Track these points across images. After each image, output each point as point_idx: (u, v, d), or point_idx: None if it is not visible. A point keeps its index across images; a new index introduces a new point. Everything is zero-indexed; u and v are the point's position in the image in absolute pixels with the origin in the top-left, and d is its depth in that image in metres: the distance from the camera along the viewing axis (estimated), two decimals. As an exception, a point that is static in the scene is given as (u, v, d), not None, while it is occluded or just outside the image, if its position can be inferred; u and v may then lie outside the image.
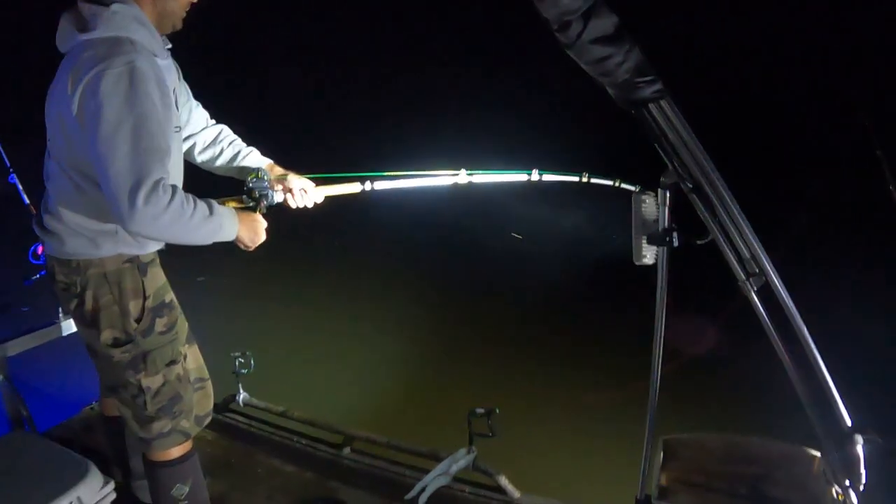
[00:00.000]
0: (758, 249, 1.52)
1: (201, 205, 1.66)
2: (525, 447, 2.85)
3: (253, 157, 2.08)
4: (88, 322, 1.83)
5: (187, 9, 1.76)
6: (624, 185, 1.98)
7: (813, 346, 1.61)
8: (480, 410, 2.25)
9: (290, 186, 1.97)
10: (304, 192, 1.98)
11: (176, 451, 1.96)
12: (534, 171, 2.05)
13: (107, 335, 1.81)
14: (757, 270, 1.54)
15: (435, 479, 2.35)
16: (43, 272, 2.22)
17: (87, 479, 1.93)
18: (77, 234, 1.76)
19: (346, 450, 2.72)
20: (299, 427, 2.89)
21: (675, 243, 1.59)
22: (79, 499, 1.88)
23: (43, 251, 1.95)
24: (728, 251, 1.55)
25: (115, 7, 1.60)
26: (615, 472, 2.27)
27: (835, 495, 1.79)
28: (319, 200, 2.03)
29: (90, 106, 1.54)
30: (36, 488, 1.90)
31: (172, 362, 1.89)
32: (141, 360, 1.83)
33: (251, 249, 1.88)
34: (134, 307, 1.81)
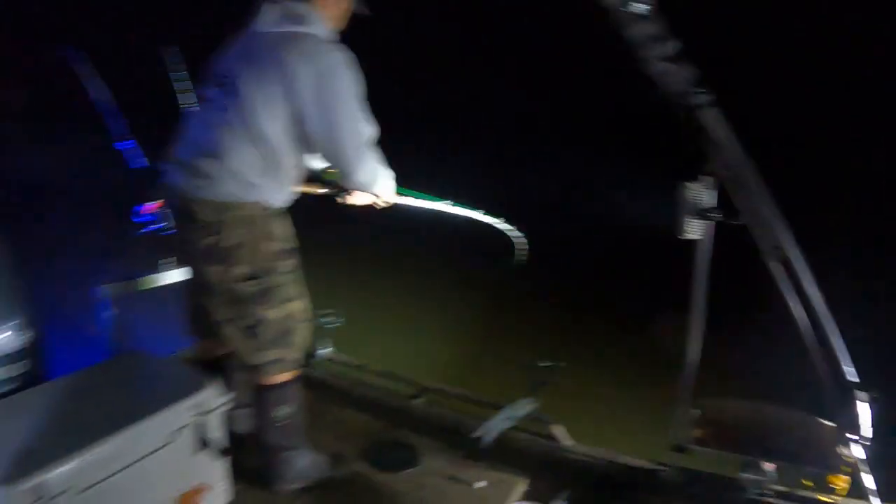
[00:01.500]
0: (781, 228, 1.99)
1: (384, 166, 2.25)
2: (577, 401, 3.21)
3: None
4: (222, 257, 2.09)
5: (343, 27, 2.24)
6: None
7: (825, 311, 2.06)
8: (543, 364, 2.67)
9: None
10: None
11: (282, 378, 2.25)
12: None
13: (238, 269, 2.09)
14: (780, 245, 2.00)
15: (499, 422, 2.67)
16: (150, 227, 2.66)
17: (206, 387, 2.10)
18: (232, 180, 2.05)
19: (418, 400, 3.04)
20: (375, 380, 3.24)
21: (718, 219, 2.07)
22: (198, 403, 2.06)
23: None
24: (757, 229, 2.02)
25: (318, 15, 2.09)
26: (653, 429, 2.61)
27: (844, 454, 2.21)
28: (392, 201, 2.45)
29: (327, 85, 1.99)
30: (159, 394, 2.05)
31: (289, 300, 2.19)
32: (265, 294, 2.13)
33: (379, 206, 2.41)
34: (265, 248, 2.12)
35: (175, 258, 2.74)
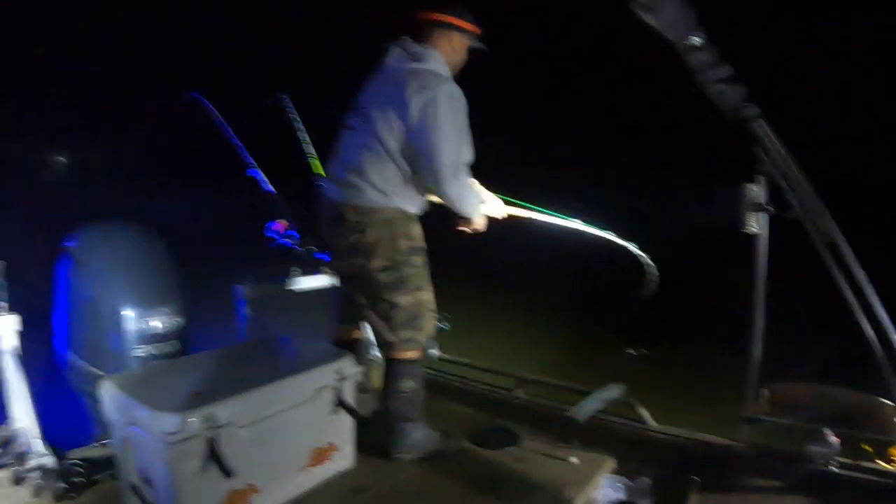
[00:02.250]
0: (828, 219, 2.41)
1: (474, 190, 2.73)
2: (659, 385, 3.53)
3: None
4: (366, 252, 2.61)
5: (461, 66, 2.77)
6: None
7: (873, 292, 2.43)
8: (631, 352, 3.05)
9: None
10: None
11: (410, 355, 2.71)
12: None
13: (378, 262, 2.60)
14: (827, 233, 2.42)
15: (590, 405, 3.06)
16: (279, 242, 3.29)
17: (346, 357, 2.56)
18: (375, 189, 2.57)
19: (518, 391, 3.50)
20: (479, 375, 3.72)
21: (771, 210, 2.49)
22: (338, 369, 2.48)
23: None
24: (806, 221, 2.45)
25: (435, 53, 2.63)
26: (728, 410, 2.96)
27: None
28: (503, 215, 2.94)
29: (431, 111, 2.47)
30: (305, 359, 2.50)
31: (419, 289, 2.68)
32: (400, 282, 2.63)
33: (469, 232, 2.81)
34: (402, 244, 2.62)
35: (300, 268, 3.31)
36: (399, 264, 2.63)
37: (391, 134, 2.56)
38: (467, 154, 2.61)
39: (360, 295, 2.72)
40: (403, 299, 2.66)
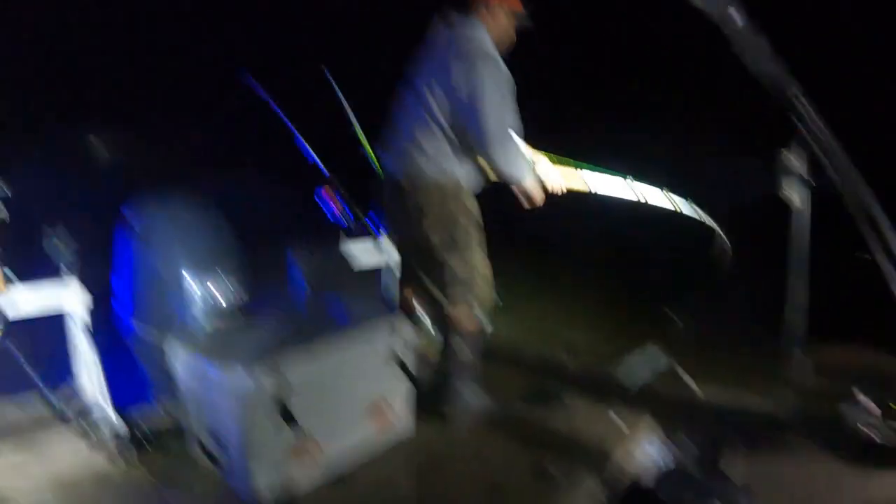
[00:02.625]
0: (862, 185, 2.49)
1: (525, 158, 2.79)
2: (706, 353, 3.62)
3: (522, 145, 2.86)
4: (421, 220, 2.71)
5: (512, 40, 2.83)
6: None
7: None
8: (674, 317, 3.14)
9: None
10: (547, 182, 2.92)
11: (468, 323, 2.80)
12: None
13: (433, 228, 2.71)
14: (866, 205, 2.50)
15: (641, 371, 3.19)
16: (332, 214, 3.43)
17: (405, 319, 2.73)
18: (429, 160, 2.68)
19: (567, 357, 3.60)
20: (530, 343, 3.86)
21: (813, 183, 2.59)
22: (401, 330, 2.66)
23: (387, 170, 2.84)
24: (843, 191, 2.53)
25: (477, 23, 2.70)
26: (770, 375, 3.07)
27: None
28: (563, 189, 2.93)
29: (473, 76, 2.55)
30: (367, 314, 2.68)
31: (472, 255, 2.77)
32: (453, 246, 2.73)
33: (528, 204, 2.87)
34: (455, 212, 2.72)
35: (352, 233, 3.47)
36: (452, 230, 2.73)
37: (438, 104, 2.66)
38: (512, 119, 2.67)
39: (417, 262, 2.83)
40: (455, 261, 2.75)
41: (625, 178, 3.04)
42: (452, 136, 2.69)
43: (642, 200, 3.02)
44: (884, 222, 2.54)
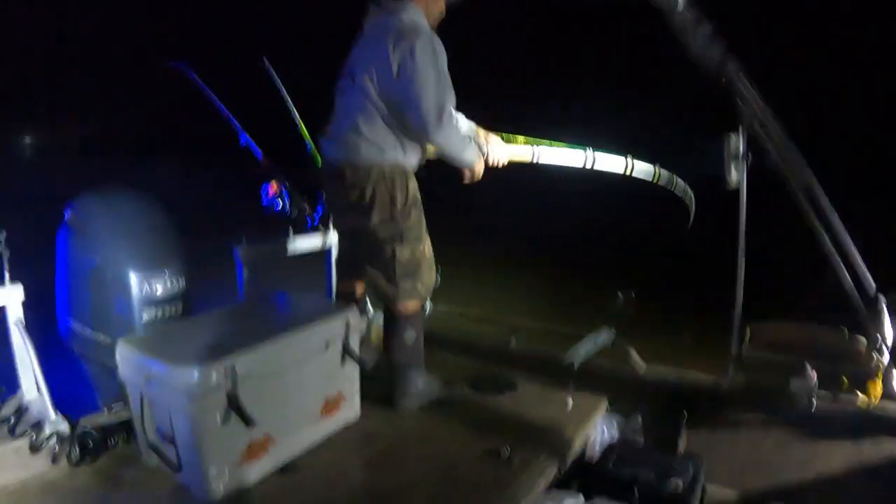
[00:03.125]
0: (801, 162, 2.58)
1: (466, 135, 2.82)
2: (648, 328, 3.72)
3: (463, 120, 2.97)
4: (365, 208, 2.72)
5: (441, 18, 2.84)
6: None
7: (846, 234, 2.63)
8: (620, 295, 3.22)
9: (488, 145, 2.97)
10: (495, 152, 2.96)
11: (411, 307, 2.84)
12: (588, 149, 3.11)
13: (377, 216, 2.72)
14: (801, 177, 2.59)
15: (583, 348, 3.23)
16: (274, 205, 3.40)
17: (351, 309, 2.69)
18: (371, 145, 2.68)
19: (512, 339, 3.62)
20: (473, 325, 3.88)
21: (751, 159, 2.66)
22: (349, 320, 2.63)
23: (328, 158, 2.84)
24: (782, 167, 2.62)
25: (410, 5, 2.70)
26: (714, 349, 3.17)
27: (875, 360, 2.73)
28: (505, 161, 2.99)
29: (408, 61, 2.55)
30: (315, 312, 2.63)
31: (418, 241, 2.80)
32: (399, 236, 2.75)
33: (471, 180, 2.89)
34: (399, 198, 2.72)
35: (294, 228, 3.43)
36: (396, 218, 2.74)
37: (376, 89, 2.66)
38: (450, 99, 2.68)
39: (361, 250, 2.85)
40: (402, 252, 2.77)
41: (585, 149, 3.11)
42: (392, 122, 2.69)
43: (605, 169, 3.13)
44: (823, 199, 2.64)
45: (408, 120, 2.65)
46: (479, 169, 2.88)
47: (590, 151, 3.12)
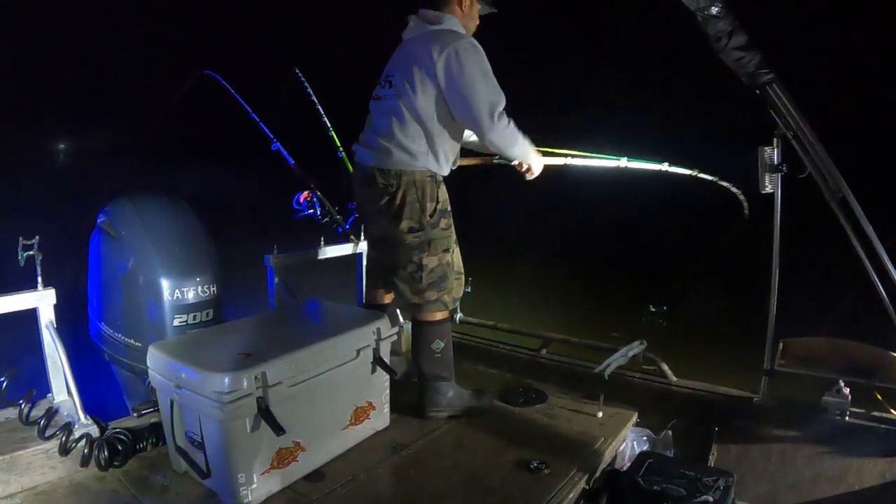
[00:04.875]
0: (837, 175, 2.52)
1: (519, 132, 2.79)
2: (681, 342, 3.67)
3: None
4: (394, 214, 2.72)
5: (476, 25, 2.88)
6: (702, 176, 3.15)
7: (880, 244, 2.56)
8: (653, 309, 3.18)
9: None
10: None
11: (438, 316, 2.84)
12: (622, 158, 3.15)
13: (405, 224, 2.72)
14: (836, 189, 2.54)
15: (613, 361, 3.12)
16: (306, 213, 3.40)
17: (382, 318, 2.70)
18: (403, 151, 2.69)
19: (543, 351, 3.63)
20: (504, 337, 3.84)
21: (785, 171, 2.61)
22: (378, 329, 2.63)
23: (360, 164, 2.83)
24: (819, 178, 2.56)
25: (449, 17, 2.74)
26: (746, 363, 3.12)
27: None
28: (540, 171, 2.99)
29: (456, 64, 2.59)
30: (345, 321, 2.64)
31: (446, 251, 2.80)
32: (426, 244, 2.75)
33: (529, 178, 2.92)
34: (429, 206, 2.73)
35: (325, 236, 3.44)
36: (426, 226, 2.74)
37: (418, 96, 2.66)
38: (501, 98, 2.68)
39: (389, 258, 2.83)
40: (429, 260, 2.77)
41: (619, 159, 3.15)
42: (429, 127, 2.69)
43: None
44: (857, 208, 2.58)
45: (464, 122, 2.69)
46: (538, 164, 2.89)
47: (624, 161, 3.16)
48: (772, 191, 2.72)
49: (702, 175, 3.25)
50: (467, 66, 2.60)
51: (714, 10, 2.46)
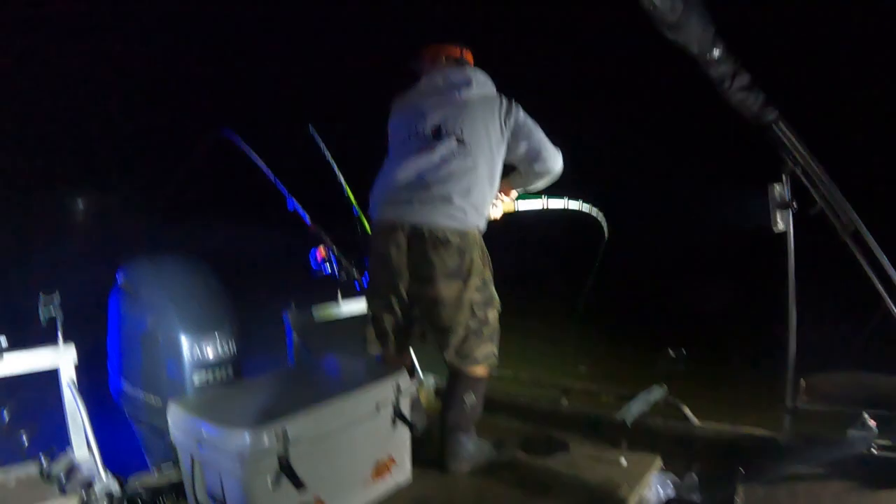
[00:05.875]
0: (848, 208, 2.51)
1: None
2: (700, 384, 3.59)
3: None
4: (465, 273, 2.69)
5: None
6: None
7: (892, 270, 2.54)
8: (672, 353, 3.13)
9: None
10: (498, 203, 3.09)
11: (482, 371, 2.80)
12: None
13: (474, 281, 2.71)
14: (849, 223, 2.52)
15: (635, 407, 3.14)
16: (323, 270, 3.42)
17: (402, 373, 2.66)
18: (474, 211, 2.70)
19: (564, 401, 3.60)
20: (524, 389, 3.83)
21: (796, 208, 2.60)
22: (398, 384, 2.60)
23: (405, 220, 2.72)
24: (830, 214, 2.55)
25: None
26: (766, 404, 3.07)
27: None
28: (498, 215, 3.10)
29: (518, 119, 2.78)
30: (365, 376, 2.64)
31: (497, 305, 2.84)
32: (490, 299, 2.79)
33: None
34: (487, 263, 2.80)
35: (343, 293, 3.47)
36: (488, 282, 2.77)
37: (494, 152, 2.76)
38: None
39: (445, 317, 2.72)
40: (492, 315, 2.79)
41: (540, 197, 3.28)
42: (494, 178, 2.79)
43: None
44: (870, 240, 2.56)
45: (537, 166, 2.87)
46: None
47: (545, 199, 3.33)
48: (784, 229, 2.71)
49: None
50: (527, 119, 2.81)
51: (716, 53, 2.48)
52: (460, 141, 2.72)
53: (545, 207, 3.31)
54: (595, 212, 3.62)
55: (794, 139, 2.60)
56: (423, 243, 2.68)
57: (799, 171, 2.61)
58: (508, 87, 2.87)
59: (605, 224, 3.65)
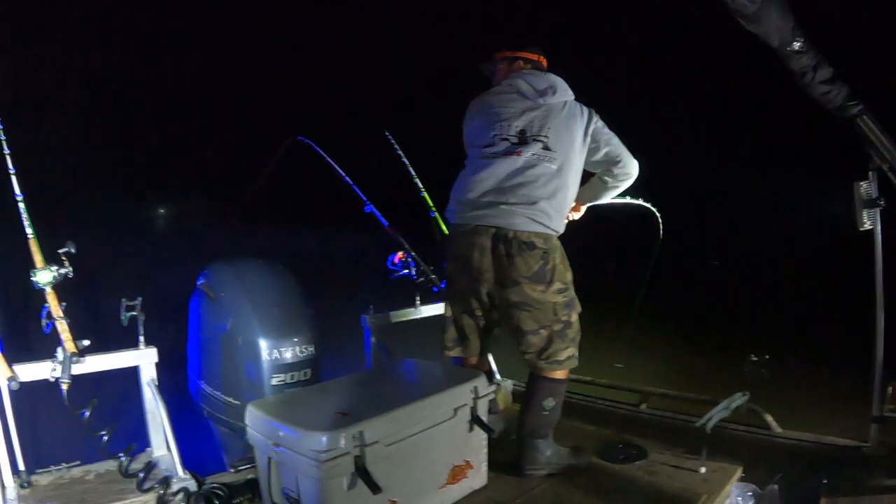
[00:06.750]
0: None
1: None
2: (785, 391, 3.46)
3: None
4: (548, 277, 2.66)
5: None
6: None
7: None
8: (755, 359, 3.01)
9: None
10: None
11: (562, 374, 2.75)
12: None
13: (556, 285, 2.67)
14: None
15: (716, 414, 3.02)
16: (401, 273, 3.42)
17: (479, 377, 2.62)
18: (557, 215, 2.69)
19: (642, 405, 3.50)
20: (602, 392, 3.72)
21: (883, 205, 2.45)
22: (476, 388, 2.56)
23: (490, 225, 2.69)
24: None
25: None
26: (852, 411, 2.91)
27: None
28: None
29: (597, 125, 2.78)
30: (443, 380, 2.63)
31: (577, 307, 2.79)
32: (572, 301, 2.75)
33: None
34: (568, 266, 2.75)
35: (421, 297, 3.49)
36: (569, 285, 2.74)
37: (579, 157, 2.76)
38: None
39: (529, 321, 2.69)
40: (574, 317, 2.76)
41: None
42: (577, 183, 2.78)
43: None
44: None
45: (617, 170, 2.85)
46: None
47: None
48: (871, 227, 2.56)
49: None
50: (605, 126, 2.82)
51: (797, 45, 2.37)
52: (546, 146, 2.70)
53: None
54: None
55: (880, 133, 2.45)
56: (508, 246, 2.65)
57: (886, 167, 2.47)
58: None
59: (660, 220, 3.61)
